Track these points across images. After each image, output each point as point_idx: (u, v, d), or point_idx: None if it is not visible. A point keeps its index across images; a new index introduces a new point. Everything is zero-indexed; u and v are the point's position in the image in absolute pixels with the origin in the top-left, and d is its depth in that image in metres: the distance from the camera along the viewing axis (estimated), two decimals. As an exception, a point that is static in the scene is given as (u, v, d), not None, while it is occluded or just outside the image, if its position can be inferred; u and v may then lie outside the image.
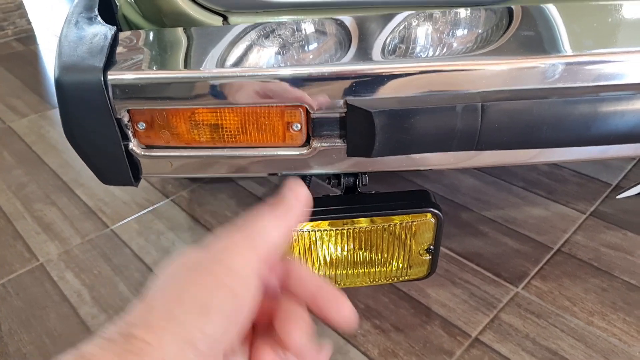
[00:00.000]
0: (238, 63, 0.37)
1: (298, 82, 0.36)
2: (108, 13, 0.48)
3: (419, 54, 0.39)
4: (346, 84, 0.36)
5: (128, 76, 0.36)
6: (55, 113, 1.25)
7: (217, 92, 0.36)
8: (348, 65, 0.36)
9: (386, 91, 0.37)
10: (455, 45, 0.41)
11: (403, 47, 0.40)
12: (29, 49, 1.66)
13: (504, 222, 0.82)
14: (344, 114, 0.37)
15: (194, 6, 0.43)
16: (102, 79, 0.35)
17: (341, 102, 0.37)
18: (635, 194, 0.64)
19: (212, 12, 0.43)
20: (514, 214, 0.83)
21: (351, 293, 0.71)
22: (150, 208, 0.91)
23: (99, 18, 0.43)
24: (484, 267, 0.74)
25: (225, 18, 0.44)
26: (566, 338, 0.64)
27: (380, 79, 0.37)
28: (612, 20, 0.42)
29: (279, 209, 0.23)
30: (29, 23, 1.77)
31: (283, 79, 0.36)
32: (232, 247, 0.21)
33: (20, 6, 1.74)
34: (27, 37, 1.75)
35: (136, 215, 0.89)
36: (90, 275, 0.78)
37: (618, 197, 0.78)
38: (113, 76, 0.36)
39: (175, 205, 0.92)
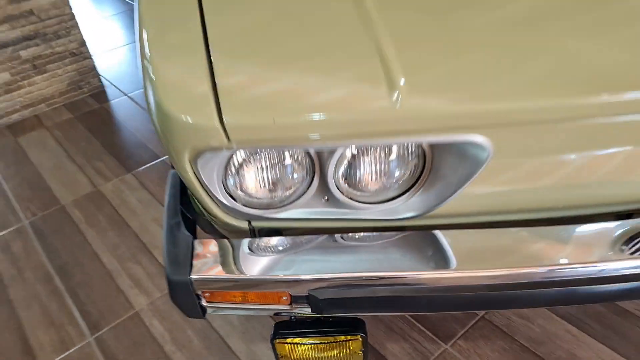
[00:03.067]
0: (263, 270, 0.73)
1: (291, 283, 0.72)
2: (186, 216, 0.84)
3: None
4: (309, 285, 0.72)
5: (201, 276, 0.73)
6: (131, 178, 1.66)
7: (244, 286, 0.73)
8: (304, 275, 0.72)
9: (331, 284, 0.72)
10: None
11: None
12: (102, 106, 2.07)
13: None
14: (307, 294, 0.73)
15: (229, 217, 0.79)
16: (189, 279, 0.72)
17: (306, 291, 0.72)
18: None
19: (238, 218, 0.79)
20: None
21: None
22: (205, 268, 1.30)
23: (182, 226, 0.79)
24: (427, 327, 1.09)
25: (249, 222, 0.80)
26: (472, 382, 0.99)
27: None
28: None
29: None
30: (101, 82, 2.18)
31: (283, 281, 0.72)
32: None
33: (94, 68, 2.14)
34: (99, 94, 2.16)
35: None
36: (168, 322, 1.19)
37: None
38: (194, 277, 0.73)
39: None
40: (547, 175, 0.68)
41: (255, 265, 0.74)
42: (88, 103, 2.10)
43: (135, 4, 0.87)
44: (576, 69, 0.60)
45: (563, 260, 0.71)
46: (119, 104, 2.07)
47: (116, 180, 1.65)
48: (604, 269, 0.70)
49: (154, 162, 1.71)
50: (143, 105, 2.04)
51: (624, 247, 0.72)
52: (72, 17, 1.97)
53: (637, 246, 0.72)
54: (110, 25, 2.82)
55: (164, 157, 1.72)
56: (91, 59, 2.11)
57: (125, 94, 2.13)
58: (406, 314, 1.12)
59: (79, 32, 2.02)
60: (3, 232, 1.50)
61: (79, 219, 1.51)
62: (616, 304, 1.08)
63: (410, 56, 0.60)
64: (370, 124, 0.58)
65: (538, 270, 0.70)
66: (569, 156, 0.66)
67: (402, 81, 0.57)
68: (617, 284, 0.73)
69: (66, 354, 1.15)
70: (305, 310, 0.75)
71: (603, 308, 1.08)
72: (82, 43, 2.05)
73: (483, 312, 1.10)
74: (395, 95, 0.56)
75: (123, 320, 1.20)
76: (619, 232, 0.74)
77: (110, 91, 2.16)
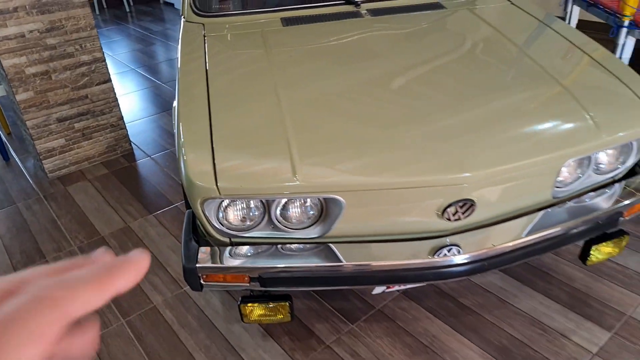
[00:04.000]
0: (235, 264, 1.37)
1: (250, 269, 1.35)
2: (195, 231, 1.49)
3: (285, 254, 1.38)
4: (259, 271, 1.35)
5: (202, 265, 1.36)
6: (152, 218, 2.31)
7: (224, 271, 1.36)
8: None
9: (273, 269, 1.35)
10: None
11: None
12: (131, 165, 2.76)
13: (360, 293, 1.78)
14: (257, 276, 1.36)
15: (218, 235, 1.43)
16: (195, 267, 1.35)
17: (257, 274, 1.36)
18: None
19: (223, 236, 1.43)
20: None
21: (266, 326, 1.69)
22: (202, 279, 1.92)
23: (192, 240, 1.43)
24: (342, 314, 1.70)
25: (230, 238, 1.44)
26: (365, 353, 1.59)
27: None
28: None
29: (110, 276, 0.22)
30: (131, 145, 2.88)
31: (245, 268, 1.35)
32: (22, 329, 0.19)
33: (127, 135, 2.85)
34: (129, 155, 2.85)
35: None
36: (175, 311, 1.79)
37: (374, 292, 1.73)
38: (199, 265, 1.36)
39: (213, 277, 1.93)
40: (380, 217, 1.34)
41: (232, 261, 1.38)
42: (120, 162, 2.79)
43: (175, 114, 1.56)
44: (393, 161, 1.27)
45: (399, 259, 1.34)
46: (143, 163, 2.76)
47: (141, 219, 2.31)
48: (421, 264, 1.34)
49: (169, 207, 2.37)
50: (162, 165, 2.72)
51: (433, 253, 1.36)
52: (115, 99, 2.71)
53: (440, 253, 1.35)
54: (134, 99, 3.57)
55: (177, 204, 2.38)
56: (125, 129, 2.82)
57: (149, 156, 2.82)
58: (326, 303, 1.74)
59: (119, 110, 2.75)
60: (59, 254, 2.14)
61: (114, 245, 2.15)
62: (458, 301, 1.70)
63: (305, 155, 1.27)
64: (286, 189, 1.25)
65: (385, 264, 1.34)
66: (391, 206, 1.32)
67: (299, 170, 1.24)
68: (427, 271, 1.36)
69: (105, 330, 1.75)
70: (257, 286, 1.38)
71: (451, 303, 1.70)
72: (120, 118, 2.77)
73: (379, 304, 1.72)
74: (296, 177, 1.24)
75: (145, 310, 1.81)
76: (431, 246, 1.38)
77: (137, 153, 2.86)
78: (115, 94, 2.70)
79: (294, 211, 1.38)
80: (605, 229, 1.49)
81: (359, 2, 1.96)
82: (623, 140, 1.38)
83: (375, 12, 1.93)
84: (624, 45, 2.37)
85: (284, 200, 1.34)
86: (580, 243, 1.57)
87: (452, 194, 1.28)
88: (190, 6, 1.97)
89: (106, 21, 5.91)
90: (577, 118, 1.37)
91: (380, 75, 1.57)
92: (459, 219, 1.35)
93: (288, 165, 1.26)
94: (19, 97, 2.43)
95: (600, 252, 1.58)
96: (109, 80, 2.66)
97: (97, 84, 2.62)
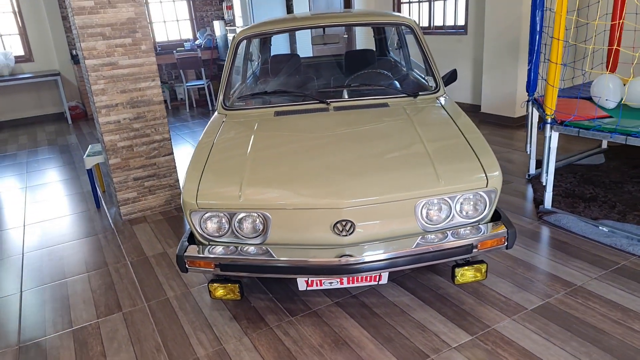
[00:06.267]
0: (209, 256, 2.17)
1: (214, 259, 2.14)
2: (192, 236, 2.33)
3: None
4: (220, 260, 2.14)
5: (187, 254, 2.18)
6: (182, 247, 3.20)
7: (201, 259, 2.16)
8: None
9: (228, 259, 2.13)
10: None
11: (241, 251, 2.18)
12: (179, 215, 3.74)
13: (306, 300, 2.46)
14: (219, 263, 2.14)
15: (201, 238, 2.25)
16: (184, 255, 2.17)
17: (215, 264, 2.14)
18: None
19: (204, 240, 2.26)
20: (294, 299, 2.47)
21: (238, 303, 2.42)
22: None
23: (186, 240, 2.27)
24: (286, 309, 2.38)
25: (208, 241, 2.26)
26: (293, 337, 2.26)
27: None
28: (277, 250, 2.16)
29: None
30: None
31: (212, 258, 2.15)
32: None
33: (180, 194, 3.88)
34: (179, 208, 3.85)
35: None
36: (181, 301, 2.59)
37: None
38: (186, 254, 2.17)
39: (211, 285, 2.73)
40: (296, 229, 2.10)
41: (206, 254, 2.20)
42: (172, 212, 3.79)
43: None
44: (300, 191, 2.06)
45: (314, 258, 2.08)
46: (187, 213, 3.73)
47: (175, 248, 3.21)
48: (332, 264, 2.07)
49: (195, 241, 3.26)
50: (200, 215, 3.67)
51: (340, 256, 2.07)
52: (174, 167, 3.78)
53: (342, 258, 2.06)
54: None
55: (201, 240, 3.26)
56: (180, 189, 3.86)
57: (192, 209, 3.80)
58: (274, 299, 2.43)
59: (177, 174, 3.81)
60: (117, 264, 3.07)
61: (153, 262, 3.05)
62: (372, 310, 2.32)
63: (248, 185, 2.11)
64: (235, 205, 2.08)
65: (299, 259, 2.08)
66: (300, 221, 2.09)
67: (242, 192, 2.08)
68: (325, 267, 2.07)
69: (133, 308, 2.57)
70: (218, 270, 2.17)
71: (366, 311, 2.32)
72: (177, 180, 3.82)
73: (316, 307, 2.38)
74: (241, 196, 2.08)
75: (161, 300, 2.62)
76: (336, 252, 2.10)
77: (185, 207, 3.86)
78: (175, 163, 3.78)
79: (246, 225, 2.19)
80: (463, 255, 2.11)
81: (329, 102, 2.88)
82: (458, 191, 2.06)
83: (338, 108, 2.83)
84: (550, 137, 3.03)
85: (240, 216, 2.16)
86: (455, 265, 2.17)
87: (334, 214, 2.03)
88: (220, 104, 3.01)
89: (193, 116, 7.46)
90: (428, 174, 2.10)
91: (320, 142, 2.42)
92: (346, 235, 2.08)
93: (238, 191, 2.11)
94: (111, 162, 3.57)
95: (464, 275, 2.19)
96: (172, 153, 3.76)
97: (163, 156, 3.73)
